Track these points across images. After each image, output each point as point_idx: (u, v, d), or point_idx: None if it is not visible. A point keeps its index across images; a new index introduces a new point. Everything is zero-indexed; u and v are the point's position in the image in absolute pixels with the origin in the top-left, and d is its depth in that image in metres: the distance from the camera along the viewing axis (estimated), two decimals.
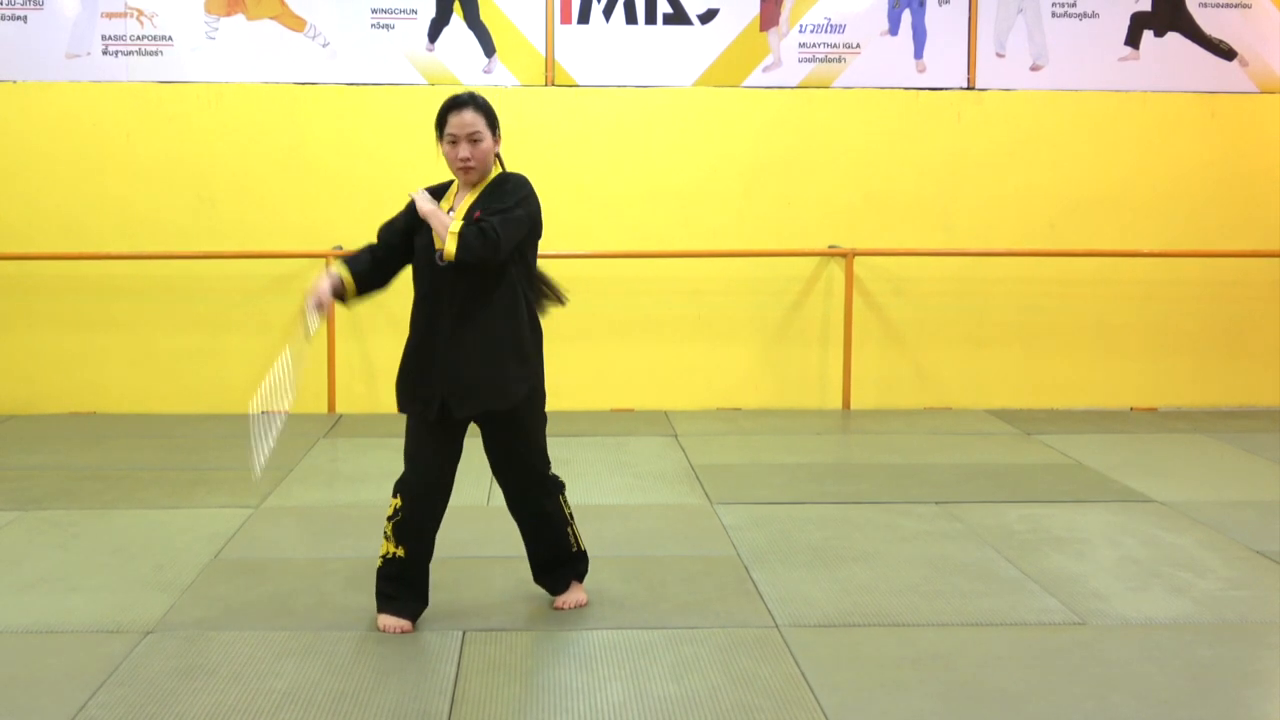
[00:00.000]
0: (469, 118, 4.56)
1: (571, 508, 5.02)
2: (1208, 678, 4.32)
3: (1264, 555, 5.68)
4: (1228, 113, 9.30)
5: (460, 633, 4.70)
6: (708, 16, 9.09)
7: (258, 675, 4.31)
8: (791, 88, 9.15)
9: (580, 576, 5.02)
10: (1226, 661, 4.46)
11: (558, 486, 4.91)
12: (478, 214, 4.53)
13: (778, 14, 9.10)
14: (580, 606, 4.96)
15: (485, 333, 4.57)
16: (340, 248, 8.94)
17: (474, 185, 4.66)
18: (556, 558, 4.96)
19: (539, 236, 4.73)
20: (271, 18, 8.90)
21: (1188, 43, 9.27)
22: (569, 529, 4.95)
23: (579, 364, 9.05)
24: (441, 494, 4.73)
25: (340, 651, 4.53)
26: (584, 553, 5.02)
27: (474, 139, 4.57)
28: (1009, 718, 4.00)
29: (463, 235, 4.43)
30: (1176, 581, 5.32)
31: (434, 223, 4.54)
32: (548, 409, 4.84)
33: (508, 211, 4.52)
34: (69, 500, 6.62)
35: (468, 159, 4.58)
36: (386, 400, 9.01)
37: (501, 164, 4.75)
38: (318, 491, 6.87)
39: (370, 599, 4.92)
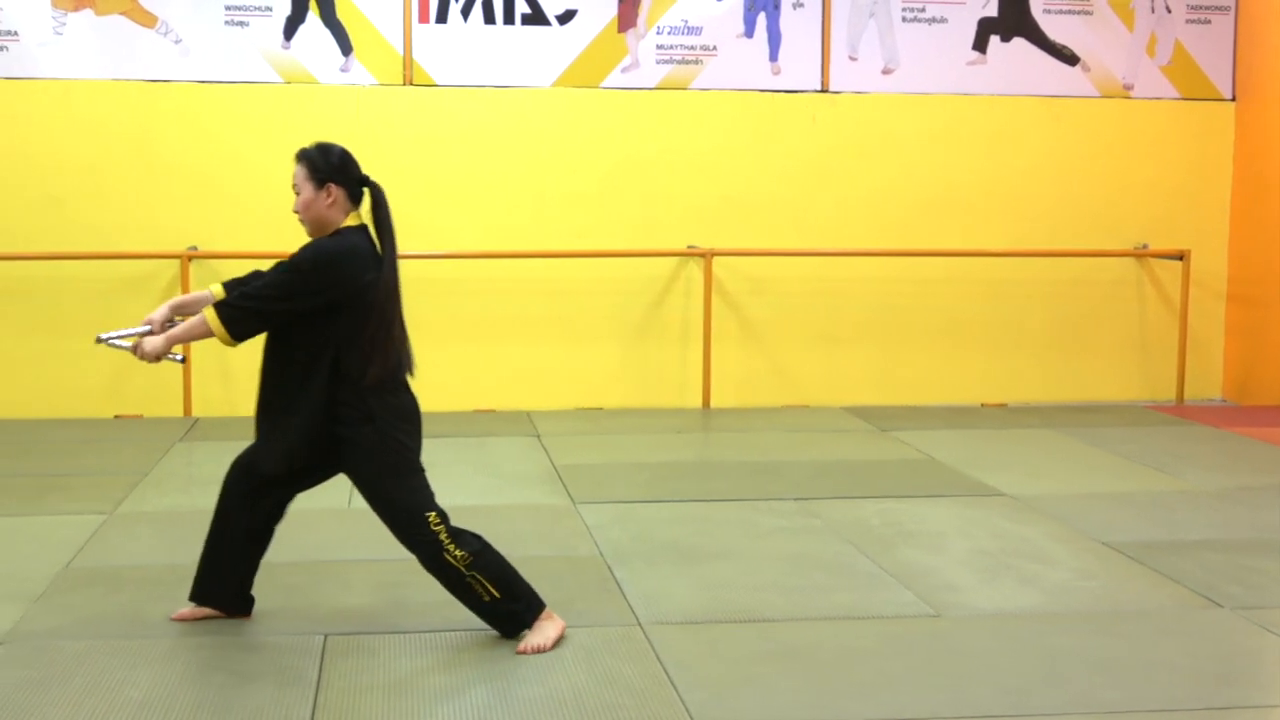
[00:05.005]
0: (294, 170, 4.57)
1: None
2: (1059, 666, 4.44)
3: (1110, 546, 5.85)
4: (1071, 116, 9.57)
5: (322, 637, 4.66)
6: (566, 17, 9.10)
7: (113, 685, 4.22)
8: (649, 89, 9.21)
9: None
10: (1076, 650, 4.59)
11: None
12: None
13: (635, 16, 9.15)
14: None
15: None
16: (195, 248, 8.78)
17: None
18: None
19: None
20: (121, 13, 8.71)
21: (1032, 48, 9.52)
22: None
23: (440, 365, 8.99)
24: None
25: (198, 659, 4.46)
26: None
27: (296, 191, 4.57)
28: (868, 709, 4.07)
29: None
30: (1027, 573, 5.47)
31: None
32: None
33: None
34: None
35: (295, 210, 4.59)
36: (243, 403, 8.91)
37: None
38: (173, 497, 6.74)
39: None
